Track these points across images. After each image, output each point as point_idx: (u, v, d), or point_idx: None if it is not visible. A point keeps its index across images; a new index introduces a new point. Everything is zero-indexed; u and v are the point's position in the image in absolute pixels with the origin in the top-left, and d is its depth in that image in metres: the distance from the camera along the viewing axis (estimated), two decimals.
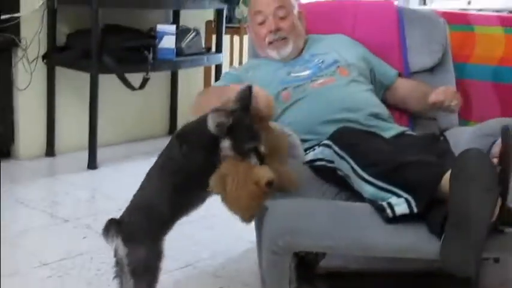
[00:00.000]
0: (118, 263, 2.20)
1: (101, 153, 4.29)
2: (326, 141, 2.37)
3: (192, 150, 2.15)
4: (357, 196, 2.27)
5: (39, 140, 4.42)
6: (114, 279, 2.22)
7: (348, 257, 2.47)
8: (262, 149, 2.10)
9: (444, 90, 2.73)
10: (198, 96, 2.74)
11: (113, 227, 2.15)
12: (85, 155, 4.24)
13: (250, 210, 2.13)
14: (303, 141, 2.58)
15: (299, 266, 2.41)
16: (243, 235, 3.20)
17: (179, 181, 2.16)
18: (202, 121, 2.12)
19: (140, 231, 2.17)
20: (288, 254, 2.14)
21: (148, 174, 2.23)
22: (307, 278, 2.53)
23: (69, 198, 3.71)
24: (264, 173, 2.07)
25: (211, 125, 2.07)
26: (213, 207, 3.62)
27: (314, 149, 2.50)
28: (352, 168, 2.22)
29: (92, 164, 4.22)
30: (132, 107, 4.85)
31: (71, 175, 4.09)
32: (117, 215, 2.24)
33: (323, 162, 2.39)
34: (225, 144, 2.09)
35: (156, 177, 2.22)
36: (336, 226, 2.09)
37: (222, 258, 2.97)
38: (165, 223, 2.22)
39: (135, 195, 2.24)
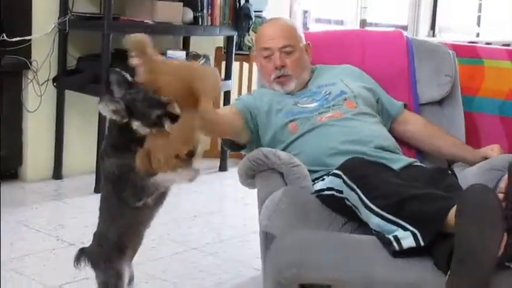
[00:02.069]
0: None
1: None
2: (336, 171, 2.38)
3: (108, 156, 2.19)
4: (364, 227, 2.28)
5: (47, 163, 4.43)
6: None
7: None
8: (173, 109, 2.09)
9: (499, 149, 2.80)
10: None
11: (82, 255, 2.29)
12: (92, 179, 4.25)
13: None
14: (311, 172, 2.58)
15: None
16: (249, 262, 3.20)
17: (110, 201, 2.24)
18: (109, 125, 2.18)
19: (95, 256, 2.27)
20: (294, 286, 2.13)
21: None
22: None
23: (75, 222, 3.71)
24: (182, 145, 2.07)
25: (107, 113, 2.07)
26: (218, 233, 3.66)
27: (323, 179, 2.50)
28: (361, 199, 2.22)
29: (99, 188, 4.21)
30: None
31: (77, 198, 4.10)
32: None
33: (332, 192, 2.39)
34: (134, 125, 2.10)
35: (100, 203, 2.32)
36: (342, 259, 2.08)
37: (227, 286, 2.97)
38: (117, 246, 2.26)
39: None
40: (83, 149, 4.51)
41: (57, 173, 4.45)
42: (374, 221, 2.18)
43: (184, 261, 3.19)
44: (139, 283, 2.88)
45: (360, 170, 2.30)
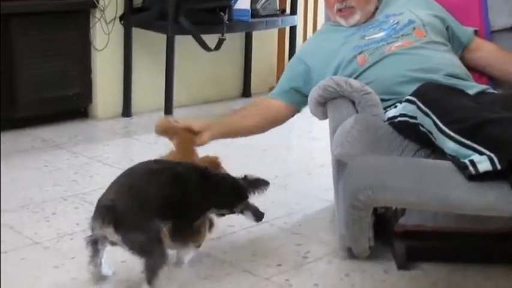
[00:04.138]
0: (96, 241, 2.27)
1: (175, 114, 4.33)
2: (410, 97, 2.36)
3: None
4: (438, 153, 2.27)
5: (116, 101, 4.48)
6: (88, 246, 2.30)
7: (425, 215, 2.46)
8: None
9: None
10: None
11: (109, 214, 2.17)
12: (161, 116, 4.29)
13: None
14: (381, 101, 2.57)
15: (377, 225, 2.42)
16: (318, 194, 3.22)
17: None
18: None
19: (133, 216, 2.19)
20: (369, 209, 2.14)
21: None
22: (385, 236, 2.53)
23: (146, 157, 3.73)
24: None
25: None
26: (287, 167, 3.68)
27: (395, 106, 2.49)
28: (435, 124, 2.20)
29: None
30: (206, 68, 4.88)
31: (147, 135, 4.13)
32: None
33: (405, 118, 2.37)
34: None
35: None
36: (418, 182, 2.08)
37: (298, 216, 2.99)
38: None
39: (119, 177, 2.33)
40: (151, 86, 4.55)
41: (127, 111, 4.50)
42: (449, 146, 2.17)
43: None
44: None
45: (434, 95, 2.28)
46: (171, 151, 2.59)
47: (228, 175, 2.52)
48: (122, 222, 2.17)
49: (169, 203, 2.25)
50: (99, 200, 2.26)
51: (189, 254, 2.50)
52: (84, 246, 2.32)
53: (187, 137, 2.60)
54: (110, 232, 2.18)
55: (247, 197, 2.51)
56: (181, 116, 4.38)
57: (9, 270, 2.42)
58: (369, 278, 2.43)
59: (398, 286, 2.40)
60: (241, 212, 2.53)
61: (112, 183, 2.30)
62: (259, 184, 2.54)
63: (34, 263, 2.50)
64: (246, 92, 5.13)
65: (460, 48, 2.88)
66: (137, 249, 2.19)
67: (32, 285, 2.33)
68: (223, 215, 2.53)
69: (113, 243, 2.25)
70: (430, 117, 2.22)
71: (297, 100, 2.85)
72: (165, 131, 2.61)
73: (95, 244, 2.28)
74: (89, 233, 2.29)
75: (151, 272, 2.18)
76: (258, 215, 2.55)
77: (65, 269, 2.46)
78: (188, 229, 2.35)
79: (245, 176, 2.54)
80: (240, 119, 2.85)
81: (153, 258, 2.19)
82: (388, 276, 2.45)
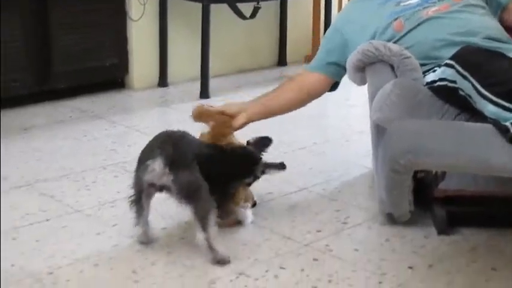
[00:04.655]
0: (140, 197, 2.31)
1: (212, 83, 4.34)
2: (448, 61, 2.33)
3: None
4: (478, 117, 2.24)
5: (152, 71, 4.49)
6: (132, 207, 2.34)
7: (465, 180, 2.44)
8: None
9: None
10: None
11: (162, 152, 2.21)
12: (197, 86, 4.30)
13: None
14: (420, 65, 2.54)
15: (416, 190, 2.41)
16: (356, 160, 3.21)
17: None
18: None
19: (182, 156, 2.23)
20: (409, 173, 2.13)
21: None
22: (425, 201, 2.52)
23: (184, 126, 3.75)
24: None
25: None
26: (324, 134, 3.68)
27: (434, 70, 2.46)
28: (475, 87, 2.18)
29: (205, 94, 4.27)
30: (242, 37, 4.87)
31: (184, 104, 4.15)
32: None
33: (445, 83, 2.35)
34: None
35: None
36: (458, 145, 2.07)
37: (336, 182, 2.99)
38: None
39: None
40: (186, 55, 4.55)
41: (163, 81, 4.52)
42: (489, 109, 2.15)
43: (293, 161, 3.20)
44: None
45: (473, 58, 2.26)
46: (208, 131, 2.59)
47: (236, 145, 2.53)
48: (174, 159, 2.20)
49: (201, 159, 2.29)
50: (144, 151, 2.30)
51: (247, 216, 2.54)
52: (126, 213, 2.35)
53: (222, 120, 2.61)
54: (162, 173, 2.20)
55: (260, 158, 2.50)
56: (217, 84, 4.44)
57: (52, 238, 2.46)
58: (409, 243, 2.43)
59: (439, 251, 2.39)
60: (263, 173, 2.50)
61: (152, 139, 2.34)
62: (262, 142, 2.54)
63: (76, 231, 2.53)
64: (281, 61, 5.11)
65: (499, 9, 2.84)
66: (185, 190, 2.21)
67: (74, 252, 2.36)
68: (250, 184, 2.53)
69: (161, 188, 2.27)
70: (469, 81, 2.20)
71: (336, 72, 2.83)
72: (199, 116, 2.63)
73: (139, 201, 2.31)
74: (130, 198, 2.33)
75: (202, 219, 2.21)
76: (281, 167, 2.53)
77: (107, 235, 2.49)
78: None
79: (247, 142, 2.54)
80: (275, 97, 2.84)
81: (200, 202, 2.22)
82: (428, 242, 2.44)
